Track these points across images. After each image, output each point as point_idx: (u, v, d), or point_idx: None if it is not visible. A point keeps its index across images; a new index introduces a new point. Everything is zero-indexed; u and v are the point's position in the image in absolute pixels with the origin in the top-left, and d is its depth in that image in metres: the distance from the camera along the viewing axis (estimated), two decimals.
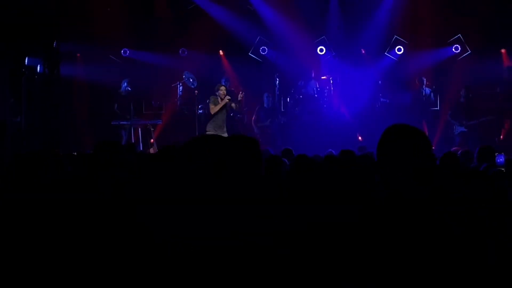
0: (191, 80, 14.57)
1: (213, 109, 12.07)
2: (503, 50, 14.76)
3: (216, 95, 12.20)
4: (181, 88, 14.80)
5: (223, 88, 12.35)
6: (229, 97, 12.25)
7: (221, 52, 15.65)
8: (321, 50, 15.06)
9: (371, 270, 2.14)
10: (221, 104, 12.09)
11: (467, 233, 2.22)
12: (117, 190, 3.24)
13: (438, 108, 14.79)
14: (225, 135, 11.99)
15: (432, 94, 14.60)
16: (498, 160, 10.19)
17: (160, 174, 3.01)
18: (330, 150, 10.89)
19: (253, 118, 14.60)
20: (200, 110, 14.43)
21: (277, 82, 14.72)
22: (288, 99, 14.83)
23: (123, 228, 2.28)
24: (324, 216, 2.37)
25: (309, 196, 2.93)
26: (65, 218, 2.51)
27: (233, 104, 12.37)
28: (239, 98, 12.64)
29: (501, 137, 14.22)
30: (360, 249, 2.17)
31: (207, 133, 11.90)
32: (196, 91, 14.50)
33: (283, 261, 2.09)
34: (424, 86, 14.44)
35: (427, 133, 13.88)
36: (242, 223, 2.15)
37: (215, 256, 2.06)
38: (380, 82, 14.73)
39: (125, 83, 14.39)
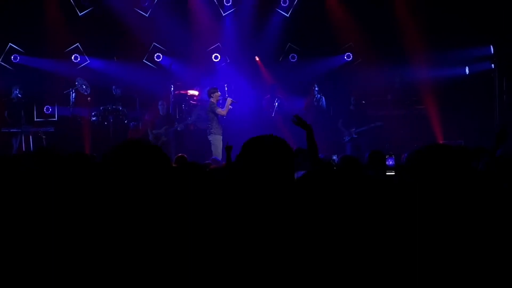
0: (84, 87, 14.57)
1: (224, 111, 13.00)
2: (392, 58, 15.27)
3: (211, 100, 13.01)
4: (74, 95, 14.76)
5: (218, 94, 13.18)
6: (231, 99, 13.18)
7: (115, 59, 15.66)
8: (216, 57, 15.31)
9: None
10: (229, 104, 13.10)
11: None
12: None
13: (330, 114, 15.18)
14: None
15: (322, 101, 14.95)
16: (389, 163, 10.74)
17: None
18: (214, 157, 11.15)
19: (149, 124, 14.69)
20: (93, 117, 14.45)
21: (172, 89, 14.83)
22: (183, 106, 14.96)
23: None
24: None
25: None
26: None
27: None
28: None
29: (392, 143, 14.68)
30: None
31: (215, 136, 12.74)
32: (89, 98, 14.54)
33: None
34: (316, 93, 14.79)
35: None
36: None
37: None
38: (275, 88, 15.02)
39: (16, 90, 14.31)
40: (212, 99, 13.01)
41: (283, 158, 2.56)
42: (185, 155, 9.11)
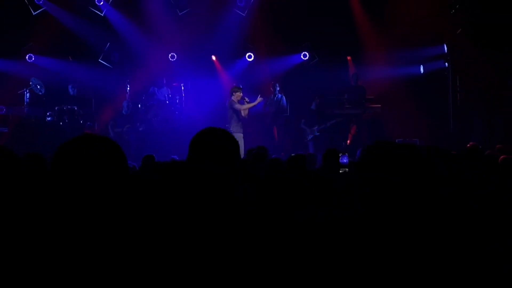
0: (38, 87, 14.45)
1: (242, 107, 12.79)
2: (349, 57, 15.48)
3: (232, 98, 12.85)
4: (28, 95, 14.67)
5: (240, 94, 12.92)
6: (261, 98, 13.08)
7: (70, 58, 15.60)
8: (173, 56, 15.35)
9: None
10: (255, 103, 12.94)
11: None
12: None
13: (288, 114, 15.30)
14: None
15: (283, 100, 15.08)
16: (342, 161, 10.98)
17: None
18: (173, 156, 11.18)
19: (110, 123, 14.65)
20: (48, 117, 14.36)
21: (128, 88, 14.82)
22: (139, 105, 14.95)
23: None
24: None
25: None
26: None
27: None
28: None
29: (348, 142, 14.87)
30: None
31: (235, 134, 12.05)
32: (44, 98, 14.44)
33: None
34: (277, 92, 14.90)
35: (276, 139, 14.50)
36: None
37: None
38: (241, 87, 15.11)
39: None
40: (233, 97, 12.87)
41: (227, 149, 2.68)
42: (153, 155, 9.11)
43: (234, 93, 12.87)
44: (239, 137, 12.49)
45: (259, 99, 12.98)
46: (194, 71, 15.33)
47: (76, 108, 14.43)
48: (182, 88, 14.94)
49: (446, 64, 15.04)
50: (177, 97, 14.94)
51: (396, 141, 14.42)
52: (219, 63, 15.65)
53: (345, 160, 11.84)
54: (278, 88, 14.99)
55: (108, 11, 15.17)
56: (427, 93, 15.25)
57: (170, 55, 15.38)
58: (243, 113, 12.86)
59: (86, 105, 14.96)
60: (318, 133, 14.39)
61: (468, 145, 11.35)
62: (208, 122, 14.43)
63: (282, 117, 15.21)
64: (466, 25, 14.19)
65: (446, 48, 15.06)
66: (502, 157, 7.23)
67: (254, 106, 13.07)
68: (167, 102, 14.92)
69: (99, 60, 15.47)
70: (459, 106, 14.74)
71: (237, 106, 12.72)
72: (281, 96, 15.10)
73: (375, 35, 15.04)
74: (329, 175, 6.80)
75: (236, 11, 15.51)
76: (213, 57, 15.60)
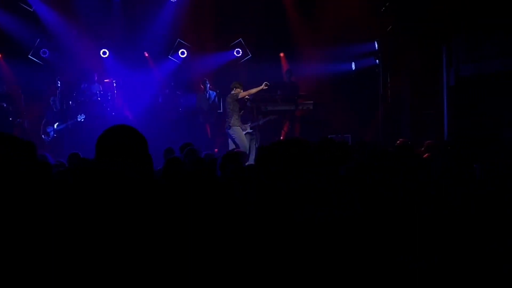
0: None
1: (245, 93, 12.75)
2: (281, 54, 15.61)
3: (232, 92, 12.77)
4: None
5: (240, 90, 12.81)
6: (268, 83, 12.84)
7: None
8: (104, 53, 15.33)
9: None
10: (261, 87, 12.84)
11: None
12: None
13: (222, 110, 15.36)
14: (249, 130, 12.99)
15: (216, 97, 15.15)
16: None
17: None
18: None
19: (43, 121, 14.55)
20: None
21: (59, 85, 14.72)
22: (70, 102, 14.87)
23: None
24: None
25: None
26: None
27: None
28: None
29: (282, 138, 14.99)
30: None
31: (236, 128, 12.50)
32: None
33: None
34: (208, 89, 14.95)
35: (209, 135, 14.54)
36: None
37: None
38: (172, 83, 15.16)
39: None
40: (233, 92, 12.81)
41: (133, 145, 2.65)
42: (79, 153, 9.07)
43: (235, 88, 12.83)
44: (238, 130, 12.65)
45: (264, 85, 12.90)
46: (127, 67, 15.32)
47: (5, 105, 14.30)
48: (114, 84, 14.94)
49: (377, 61, 15.24)
50: (109, 93, 14.91)
51: (329, 137, 14.61)
52: (152, 59, 15.63)
53: None
54: (208, 85, 15.06)
55: (38, 6, 15.02)
56: (359, 89, 15.48)
57: (102, 51, 15.34)
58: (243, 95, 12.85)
59: (15, 102, 14.81)
60: (251, 130, 14.47)
61: (398, 141, 11.59)
62: (140, 119, 14.47)
63: (214, 113, 15.28)
64: (397, 23, 14.41)
65: (377, 45, 15.27)
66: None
67: (260, 90, 13.01)
68: (99, 98, 14.87)
69: (29, 56, 15.30)
70: (389, 102, 14.95)
71: (242, 93, 12.72)
72: (212, 93, 15.17)
73: (308, 32, 15.20)
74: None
75: (169, 7, 15.48)
76: (146, 54, 15.58)
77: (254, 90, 12.83)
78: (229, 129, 12.67)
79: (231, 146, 13.21)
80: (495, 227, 2.59)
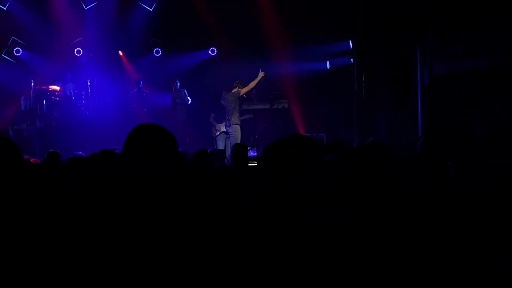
0: None
1: (251, 88, 12.94)
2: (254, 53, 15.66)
3: (233, 90, 12.90)
4: None
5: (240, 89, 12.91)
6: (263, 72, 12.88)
7: None
8: (78, 51, 15.24)
9: None
10: (257, 79, 12.90)
11: None
12: None
13: (195, 108, 15.37)
14: (225, 129, 13.18)
15: (185, 95, 15.13)
16: (250, 154, 11.29)
17: None
18: (78, 152, 11.09)
19: (9, 121, 14.42)
20: None
21: (32, 84, 14.60)
22: (44, 101, 14.75)
23: None
24: None
25: None
26: None
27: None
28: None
29: (256, 135, 15.07)
30: None
31: (235, 126, 12.59)
32: None
33: None
34: (179, 88, 14.96)
35: (183, 134, 14.48)
36: None
37: None
38: (141, 83, 15.06)
39: None
40: (234, 90, 12.92)
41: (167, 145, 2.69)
42: (57, 151, 9.00)
43: (237, 87, 12.95)
44: (237, 129, 12.75)
45: (260, 74, 12.94)
46: (101, 66, 15.24)
47: None
48: (88, 83, 14.83)
49: (352, 60, 15.36)
50: (83, 92, 14.82)
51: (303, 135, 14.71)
52: (126, 58, 15.58)
53: (252, 154, 12.23)
54: (179, 83, 15.05)
55: (11, 4, 14.88)
56: (334, 88, 15.55)
57: (76, 50, 15.23)
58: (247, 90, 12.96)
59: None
60: (226, 129, 14.50)
61: (369, 140, 11.69)
62: (114, 118, 14.41)
63: (185, 111, 15.27)
64: (371, 22, 14.50)
65: (351, 44, 15.37)
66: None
67: (258, 82, 13.02)
68: (73, 97, 14.79)
69: (2, 55, 15.17)
70: (364, 101, 15.06)
71: (244, 90, 12.86)
72: (183, 91, 15.15)
73: (282, 31, 15.21)
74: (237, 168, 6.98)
75: (143, 6, 15.44)
76: (120, 52, 15.52)
77: (253, 84, 12.93)
78: (229, 126, 12.86)
79: (220, 145, 13.42)
80: (495, 227, 2.60)
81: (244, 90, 12.87)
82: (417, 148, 6.77)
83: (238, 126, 12.80)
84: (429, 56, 12.93)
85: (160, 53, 15.67)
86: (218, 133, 14.57)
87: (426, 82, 12.95)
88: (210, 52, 15.77)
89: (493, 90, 11.77)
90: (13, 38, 15.24)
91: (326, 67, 15.92)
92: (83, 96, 14.82)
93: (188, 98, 15.20)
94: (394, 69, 14.14)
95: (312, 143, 2.43)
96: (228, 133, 13.04)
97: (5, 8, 14.95)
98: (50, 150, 9.23)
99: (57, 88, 14.89)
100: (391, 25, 13.56)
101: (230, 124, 12.79)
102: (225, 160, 11.69)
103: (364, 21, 14.76)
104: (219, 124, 14.47)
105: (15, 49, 15.18)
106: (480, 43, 11.98)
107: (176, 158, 2.68)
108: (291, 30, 15.06)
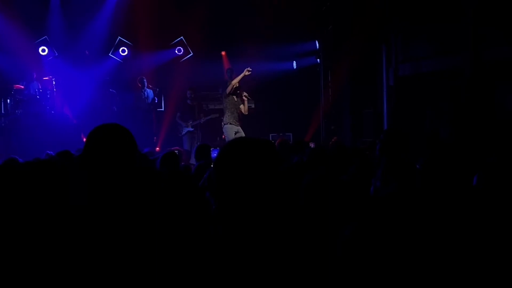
0: None
1: (234, 84, 12.76)
2: (223, 53, 15.69)
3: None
4: None
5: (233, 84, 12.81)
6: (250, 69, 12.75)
7: None
8: (43, 50, 15.10)
9: None
10: (242, 75, 12.79)
11: None
12: None
13: (163, 109, 15.36)
14: (240, 128, 12.70)
15: (151, 94, 15.08)
16: (214, 155, 11.29)
17: None
18: (48, 152, 10.96)
19: None
20: None
21: None
22: (8, 100, 14.57)
23: None
24: None
25: None
26: None
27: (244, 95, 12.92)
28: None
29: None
30: None
31: (229, 125, 12.53)
32: None
33: None
34: (145, 87, 14.89)
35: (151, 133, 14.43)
36: None
37: None
38: (108, 82, 15.00)
39: None
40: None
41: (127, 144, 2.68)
42: (17, 157, 8.85)
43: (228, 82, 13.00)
44: (229, 128, 12.74)
45: (246, 70, 12.86)
46: (67, 65, 15.11)
47: None
48: (54, 82, 14.69)
49: (318, 60, 15.50)
50: (48, 91, 14.67)
51: (270, 136, 14.82)
52: (93, 57, 15.47)
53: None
54: (146, 83, 15.00)
55: None
56: (300, 88, 15.69)
57: (40, 48, 15.07)
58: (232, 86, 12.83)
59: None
60: (192, 128, 14.51)
61: (333, 139, 11.81)
62: (81, 117, 14.33)
63: (152, 111, 15.25)
64: (337, 22, 14.66)
65: (318, 45, 15.51)
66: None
67: (242, 77, 12.93)
68: (38, 97, 14.63)
69: None
70: (330, 101, 15.21)
71: (228, 88, 12.85)
72: (150, 91, 15.12)
73: (250, 31, 15.26)
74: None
75: (109, 5, 15.34)
76: (86, 52, 15.41)
77: (237, 79, 12.90)
78: (223, 126, 12.93)
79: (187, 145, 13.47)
80: (496, 227, 2.65)
81: (228, 88, 12.91)
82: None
83: (229, 126, 12.77)
84: (394, 57, 13.05)
85: (126, 52, 15.60)
86: (184, 132, 14.59)
87: (391, 83, 13.09)
88: (176, 51, 15.77)
89: (457, 90, 11.90)
90: None
91: (293, 67, 16.04)
92: (48, 95, 14.66)
93: (155, 97, 15.17)
94: (360, 70, 14.26)
95: (267, 149, 2.29)
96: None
97: None
98: (10, 157, 9.10)
99: (21, 87, 14.72)
100: (356, 25, 13.69)
101: (223, 124, 12.93)
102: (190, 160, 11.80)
103: (330, 21, 14.92)
104: (185, 123, 14.48)
105: None
106: (442, 43, 12.07)
107: (133, 158, 2.67)
108: (258, 29, 15.12)
